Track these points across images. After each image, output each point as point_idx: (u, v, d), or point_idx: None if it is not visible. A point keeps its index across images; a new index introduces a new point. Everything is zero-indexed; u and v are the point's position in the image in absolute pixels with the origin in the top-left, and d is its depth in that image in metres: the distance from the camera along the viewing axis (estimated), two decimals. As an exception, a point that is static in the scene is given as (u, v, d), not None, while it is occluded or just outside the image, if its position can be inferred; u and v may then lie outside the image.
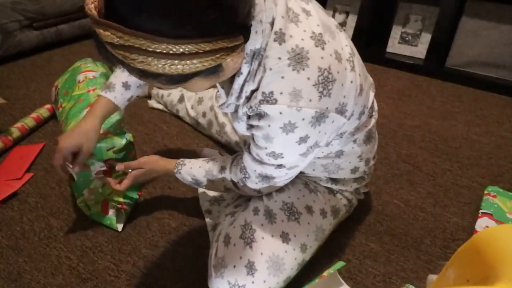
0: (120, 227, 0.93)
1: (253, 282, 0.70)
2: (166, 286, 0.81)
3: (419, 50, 1.87)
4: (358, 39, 1.93)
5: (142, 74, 0.50)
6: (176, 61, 0.47)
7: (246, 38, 0.55)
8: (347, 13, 1.99)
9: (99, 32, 0.46)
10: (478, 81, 1.70)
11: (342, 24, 2.01)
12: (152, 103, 1.46)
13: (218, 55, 0.49)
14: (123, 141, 0.97)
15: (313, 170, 0.81)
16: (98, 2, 0.46)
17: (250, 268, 0.70)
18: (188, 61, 0.48)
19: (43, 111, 1.35)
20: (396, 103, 1.56)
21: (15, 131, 1.25)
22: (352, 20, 1.99)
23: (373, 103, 0.77)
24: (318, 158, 0.78)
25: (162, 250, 0.89)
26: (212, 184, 0.83)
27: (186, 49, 0.46)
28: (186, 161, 0.87)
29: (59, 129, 1.21)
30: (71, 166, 0.83)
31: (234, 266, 0.71)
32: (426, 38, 1.84)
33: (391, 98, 1.60)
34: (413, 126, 1.40)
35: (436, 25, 1.80)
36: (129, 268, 0.85)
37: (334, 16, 2.03)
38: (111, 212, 0.94)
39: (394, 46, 1.92)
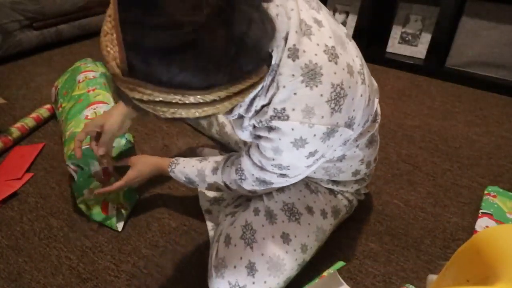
0: (120, 226, 0.93)
1: (253, 283, 0.70)
2: (166, 286, 0.81)
3: (419, 50, 1.87)
4: (358, 39, 1.92)
5: (171, 120, 0.49)
6: (207, 108, 0.47)
7: (269, 65, 0.54)
8: (347, 13, 1.99)
9: (125, 90, 0.45)
10: (478, 81, 1.70)
11: (342, 24, 2.01)
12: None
13: (247, 92, 0.49)
14: (123, 141, 0.97)
15: (314, 173, 0.81)
16: (120, 59, 0.44)
17: (251, 268, 0.70)
18: (218, 105, 0.47)
19: (43, 111, 1.35)
20: (396, 103, 1.56)
21: (15, 131, 1.25)
22: (352, 20, 1.99)
23: (376, 108, 0.77)
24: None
25: (162, 250, 0.89)
26: (204, 184, 0.83)
27: (217, 97, 0.46)
28: (180, 159, 0.87)
29: (59, 129, 1.21)
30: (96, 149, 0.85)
31: (235, 267, 0.71)
32: (426, 38, 1.84)
33: (391, 98, 1.60)
34: (413, 126, 1.40)
35: (436, 25, 1.80)
36: (129, 268, 0.85)
37: (334, 16, 2.03)
38: (111, 212, 0.94)
39: (394, 46, 1.92)
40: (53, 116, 1.37)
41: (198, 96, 0.45)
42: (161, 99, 0.44)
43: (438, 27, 1.81)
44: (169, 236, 0.93)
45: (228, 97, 0.47)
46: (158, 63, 0.42)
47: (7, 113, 1.41)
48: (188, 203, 1.02)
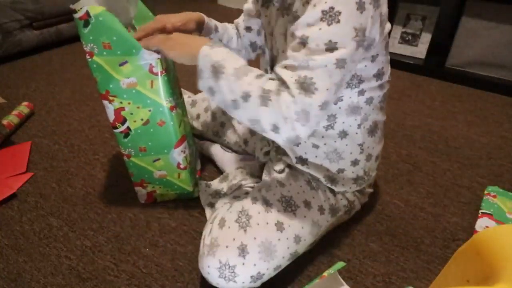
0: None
1: (243, 264, 0.71)
2: (166, 286, 0.81)
3: (419, 50, 1.87)
4: (358, 39, 1.93)
5: None
6: None
7: None
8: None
9: None
10: (478, 81, 1.70)
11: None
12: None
13: None
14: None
15: (316, 156, 0.82)
16: None
17: (242, 250, 0.71)
18: None
19: (23, 108, 1.39)
20: (396, 103, 1.56)
21: (4, 128, 1.27)
22: (352, 20, 1.98)
23: (387, 70, 0.76)
24: (322, 137, 0.78)
25: (162, 250, 0.89)
26: (235, 80, 0.65)
27: None
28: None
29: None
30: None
31: (227, 246, 0.72)
32: (426, 38, 1.84)
33: (391, 98, 1.60)
34: (413, 126, 1.40)
35: (436, 25, 1.80)
36: (129, 268, 0.85)
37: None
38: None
39: (394, 46, 1.92)
40: (32, 113, 1.40)
41: None
42: None
43: (438, 27, 1.81)
44: (169, 236, 0.93)
45: None
46: None
47: (6, 112, 1.41)
48: (188, 203, 1.02)
